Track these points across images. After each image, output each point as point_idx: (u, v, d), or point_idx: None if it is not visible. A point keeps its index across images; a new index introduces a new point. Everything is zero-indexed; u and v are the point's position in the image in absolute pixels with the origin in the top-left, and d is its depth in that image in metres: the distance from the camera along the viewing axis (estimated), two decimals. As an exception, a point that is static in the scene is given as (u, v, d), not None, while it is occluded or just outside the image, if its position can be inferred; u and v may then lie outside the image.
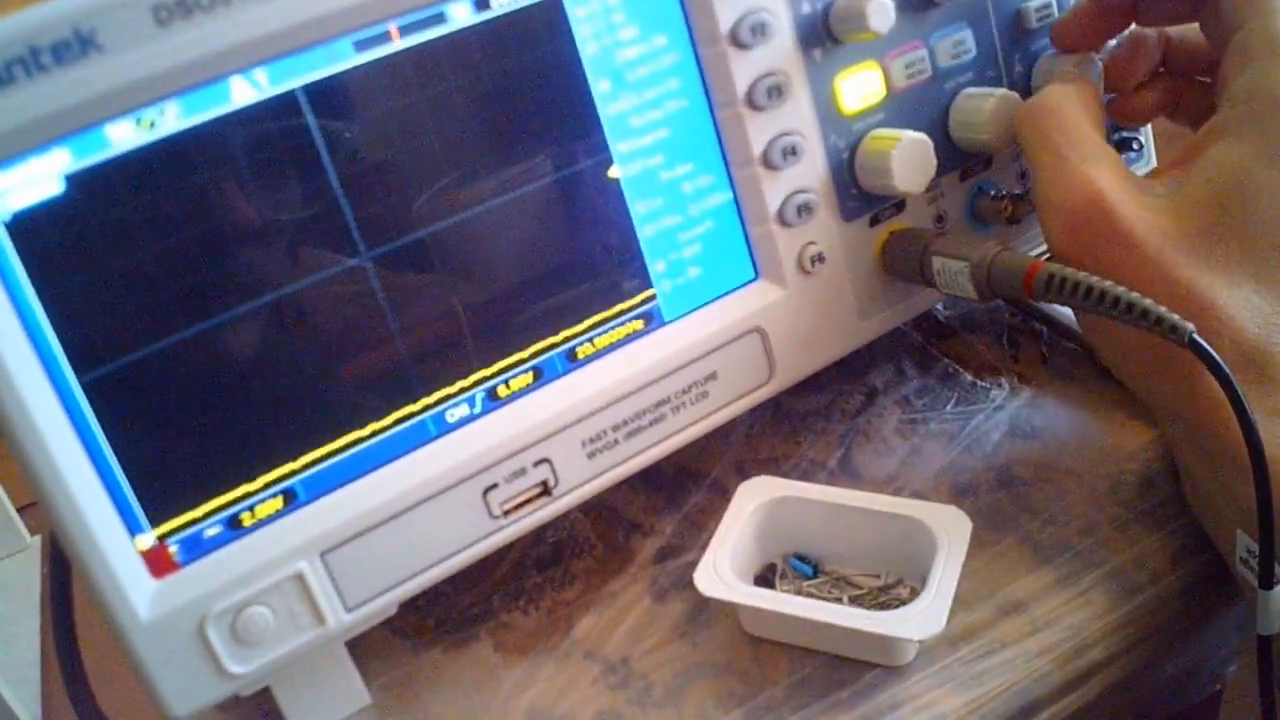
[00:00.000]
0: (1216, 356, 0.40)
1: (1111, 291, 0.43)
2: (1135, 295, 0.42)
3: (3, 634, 2.02)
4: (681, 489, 0.57)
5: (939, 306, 0.64)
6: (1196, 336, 0.40)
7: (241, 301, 0.42)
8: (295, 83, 0.42)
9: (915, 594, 0.47)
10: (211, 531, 0.43)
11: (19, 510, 2.24)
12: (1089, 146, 0.47)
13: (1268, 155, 0.44)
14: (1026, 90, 0.57)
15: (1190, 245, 0.44)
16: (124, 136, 0.39)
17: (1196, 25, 0.52)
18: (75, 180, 0.39)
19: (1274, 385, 0.42)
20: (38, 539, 2.25)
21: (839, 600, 0.48)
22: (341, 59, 0.42)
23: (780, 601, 0.46)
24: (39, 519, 2.28)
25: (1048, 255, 0.49)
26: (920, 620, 0.43)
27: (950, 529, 0.47)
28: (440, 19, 0.43)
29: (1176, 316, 0.41)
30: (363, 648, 0.49)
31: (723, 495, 0.55)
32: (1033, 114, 0.50)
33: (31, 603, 2.09)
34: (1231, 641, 0.53)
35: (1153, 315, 0.41)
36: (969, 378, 0.60)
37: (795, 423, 0.59)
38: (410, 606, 0.50)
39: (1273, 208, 0.44)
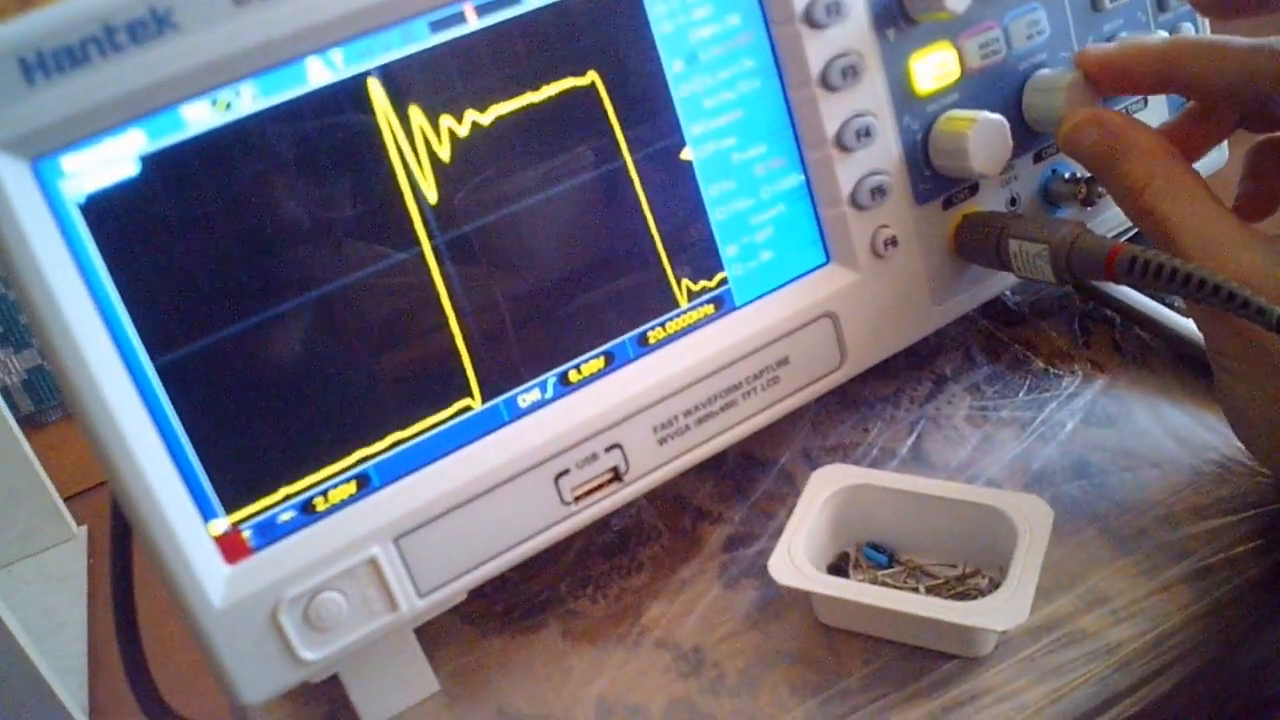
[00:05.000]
0: (1308, 342, 0.39)
1: (1197, 273, 0.42)
2: (1221, 278, 0.41)
3: (50, 624, 2.04)
4: (749, 477, 0.56)
5: (1008, 292, 0.63)
6: (1288, 320, 0.39)
7: (315, 286, 0.42)
8: (371, 64, 0.41)
9: (993, 584, 0.46)
10: (285, 517, 0.43)
11: (65, 500, 2.26)
12: (1203, 213, 0.44)
13: None
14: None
15: None
16: (200, 117, 0.39)
17: None
18: (150, 161, 0.39)
19: None
20: (84, 529, 2.28)
21: (915, 590, 0.48)
22: (417, 40, 0.42)
23: (860, 591, 0.45)
24: (86, 509, 2.31)
25: (1129, 236, 0.48)
26: (1004, 611, 0.43)
27: (1031, 518, 0.46)
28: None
29: (1263, 299, 0.40)
30: (431, 635, 0.49)
31: (790, 483, 0.55)
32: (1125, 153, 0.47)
33: (79, 592, 2.11)
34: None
35: (1240, 297, 0.40)
36: (1040, 365, 0.59)
37: (863, 410, 0.59)
38: (477, 593, 0.49)
39: None
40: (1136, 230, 0.48)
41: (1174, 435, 0.53)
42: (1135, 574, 0.47)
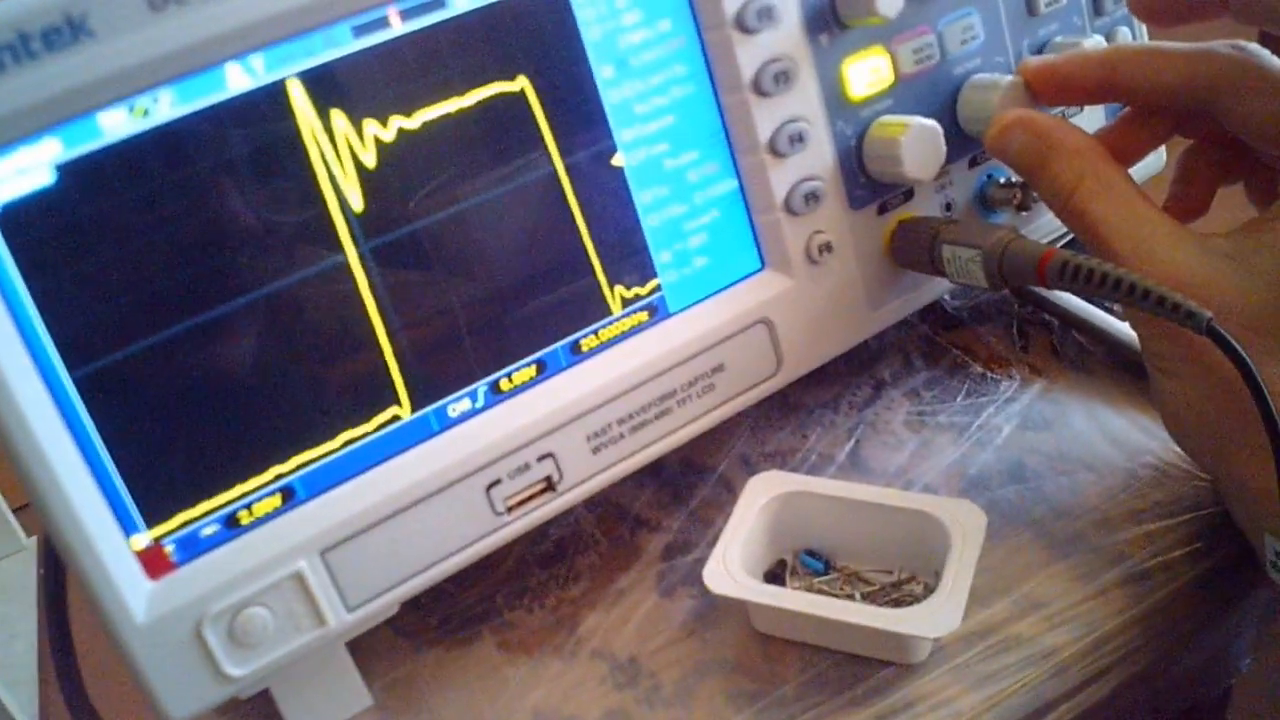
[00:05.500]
0: (1235, 343, 0.39)
1: (1127, 278, 0.42)
2: (1151, 282, 0.41)
3: (0, 636, 2.01)
4: (687, 484, 0.56)
5: (947, 297, 0.63)
6: (1215, 323, 0.39)
7: (237, 295, 0.41)
8: (292, 69, 0.40)
9: (929, 590, 0.46)
10: (208, 531, 0.42)
11: (15, 511, 2.23)
12: (1135, 214, 0.44)
13: None
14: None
15: (1256, 325, 0.41)
16: (117, 125, 0.38)
17: None
18: (66, 170, 0.38)
19: None
20: (34, 540, 2.24)
21: (851, 597, 0.47)
22: (339, 44, 0.41)
23: (793, 599, 0.45)
24: (35, 519, 2.27)
25: (1063, 242, 0.48)
26: (936, 618, 0.42)
27: (964, 523, 0.46)
28: (441, 4, 0.42)
29: (1193, 303, 0.40)
30: (364, 648, 0.48)
31: (729, 490, 0.55)
32: (1060, 157, 0.46)
33: (29, 604, 2.08)
34: (1249, 634, 0.52)
35: (1169, 301, 0.40)
36: (978, 369, 0.59)
37: (802, 416, 0.58)
38: (412, 605, 0.49)
39: None
40: (1073, 235, 0.48)
41: (1110, 439, 0.53)
42: (1071, 578, 0.47)
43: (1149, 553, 0.48)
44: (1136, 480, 0.51)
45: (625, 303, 0.49)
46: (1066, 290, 0.46)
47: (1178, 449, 0.50)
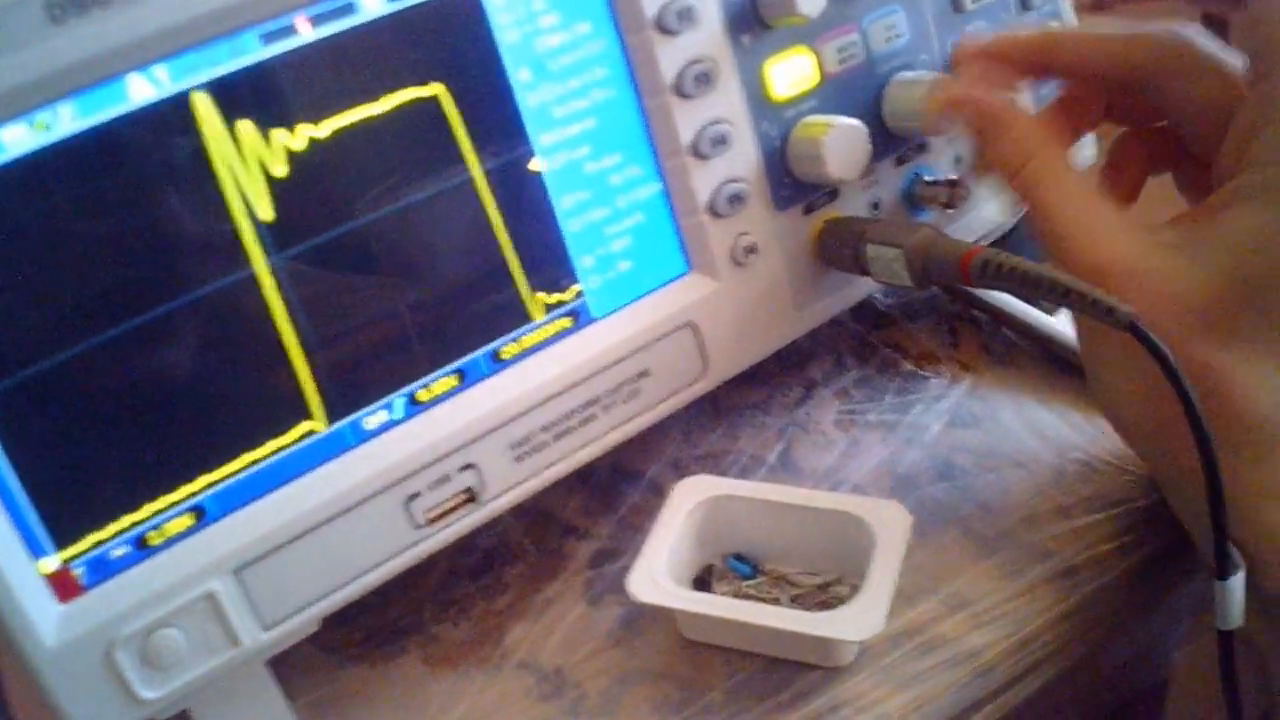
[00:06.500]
0: (1157, 341, 0.39)
1: (1048, 276, 0.41)
2: (1073, 280, 0.41)
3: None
4: (617, 489, 0.55)
5: (878, 295, 0.63)
6: (1138, 322, 0.39)
7: (144, 311, 0.40)
8: (197, 79, 0.39)
9: (855, 591, 0.46)
10: (118, 552, 0.41)
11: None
12: (1081, 199, 0.44)
13: None
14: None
15: (1207, 317, 0.41)
16: (17, 140, 0.37)
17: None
18: (-36, 186, 0.37)
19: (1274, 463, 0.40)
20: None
21: (778, 601, 0.47)
22: (247, 53, 0.40)
23: (716, 605, 0.44)
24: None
25: (988, 241, 0.48)
26: (859, 621, 0.42)
27: (889, 524, 0.46)
28: (350, 9, 0.42)
29: (1115, 299, 0.40)
30: (286, 665, 0.47)
31: (660, 495, 0.54)
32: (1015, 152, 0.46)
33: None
34: (1179, 627, 0.53)
35: (1089, 298, 0.40)
36: (909, 366, 0.59)
37: (733, 418, 0.58)
38: (336, 620, 0.48)
39: None
40: (1001, 234, 0.48)
41: (1039, 434, 0.54)
42: (998, 576, 0.47)
43: (1076, 549, 0.48)
44: (1064, 476, 0.51)
45: (547, 309, 0.48)
46: (990, 288, 0.45)
47: (1106, 444, 0.50)
